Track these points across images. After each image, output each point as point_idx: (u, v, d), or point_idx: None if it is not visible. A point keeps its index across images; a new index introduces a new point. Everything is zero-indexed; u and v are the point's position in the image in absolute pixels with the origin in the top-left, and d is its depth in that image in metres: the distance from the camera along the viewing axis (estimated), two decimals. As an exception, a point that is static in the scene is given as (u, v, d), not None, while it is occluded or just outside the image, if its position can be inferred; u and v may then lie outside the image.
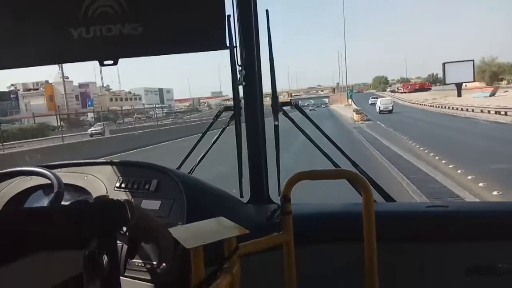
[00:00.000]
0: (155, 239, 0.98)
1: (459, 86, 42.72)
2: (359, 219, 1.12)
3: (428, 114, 31.22)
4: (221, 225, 1.05)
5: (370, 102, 52.05)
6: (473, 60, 43.72)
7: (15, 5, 1.48)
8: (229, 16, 1.45)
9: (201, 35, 1.42)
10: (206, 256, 0.92)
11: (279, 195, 1.60)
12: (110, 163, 1.59)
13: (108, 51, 1.45)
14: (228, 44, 1.46)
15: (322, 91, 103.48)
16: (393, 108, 41.82)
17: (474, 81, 45.08)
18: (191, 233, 1.00)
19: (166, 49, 1.49)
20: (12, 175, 1.56)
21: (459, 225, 1.34)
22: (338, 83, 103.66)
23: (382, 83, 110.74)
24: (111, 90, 73.01)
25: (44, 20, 1.47)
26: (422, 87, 76.60)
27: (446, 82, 46.59)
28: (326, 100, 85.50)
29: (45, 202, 1.53)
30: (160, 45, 1.46)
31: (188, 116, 52.97)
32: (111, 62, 1.46)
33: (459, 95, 41.06)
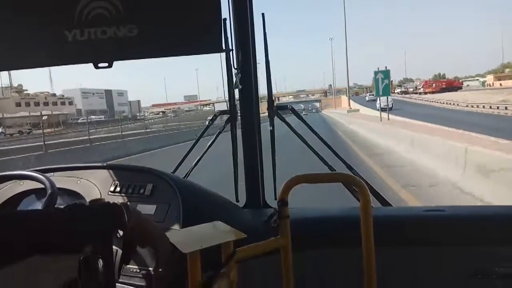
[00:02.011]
0: (152, 244, 0.97)
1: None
2: (356, 223, 1.12)
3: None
4: (218, 230, 1.04)
5: (367, 99, 52.29)
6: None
7: (9, 7, 1.46)
8: (225, 19, 1.44)
9: (197, 38, 1.42)
10: (203, 261, 0.91)
11: (275, 199, 1.60)
12: (104, 167, 1.57)
13: (102, 54, 1.43)
14: (224, 47, 1.46)
15: (312, 95, 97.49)
16: (392, 105, 42.59)
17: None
18: (188, 238, 0.99)
19: (161, 51, 1.48)
20: (3, 179, 1.53)
21: (457, 229, 1.35)
22: (330, 85, 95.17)
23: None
24: (25, 92, 60.35)
25: (38, 22, 1.45)
26: (451, 85, 64.52)
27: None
28: (317, 104, 79.84)
29: (38, 206, 1.51)
30: (156, 47, 1.45)
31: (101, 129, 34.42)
32: (106, 64, 1.44)
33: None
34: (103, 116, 57.41)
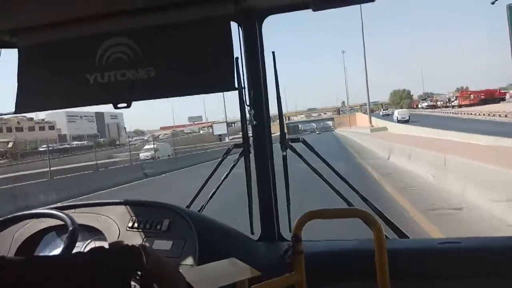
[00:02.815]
0: (169, 284, 0.98)
1: None
2: (371, 256, 1.12)
3: None
4: (233, 267, 1.05)
5: (381, 113, 50.28)
6: None
7: (37, 53, 1.56)
8: (237, 58, 1.50)
9: (212, 77, 1.47)
10: None
11: (289, 232, 1.62)
12: (122, 203, 1.61)
13: (122, 94, 1.50)
14: (236, 85, 1.51)
15: (324, 113, 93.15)
16: (409, 118, 40.67)
17: None
18: (204, 276, 1.01)
19: (177, 91, 1.53)
20: (24, 218, 1.59)
21: (473, 261, 1.34)
22: (343, 102, 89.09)
23: (404, 98, 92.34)
24: (-1, 116, 57.09)
25: (63, 67, 1.55)
26: (492, 96, 55.18)
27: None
28: (330, 123, 74.29)
29: (59, 243, 1.56)
30: (172, 87, 1.51)
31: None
32: (125, 104, 1.51)
33: None
34: (85, 142, 52.74)
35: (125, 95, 1.50)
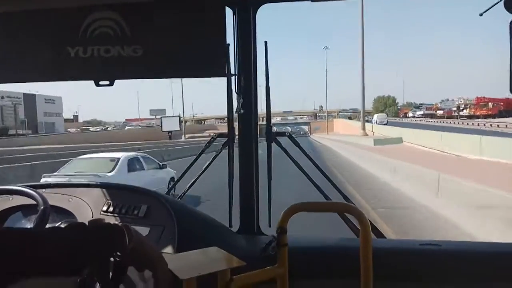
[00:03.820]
0: (150, 268, 0.94)
1: None
2: (354, 254, 1.11)
3: None
4: (216, 256, 1.03)
5: (376, 120, 46.37)
6: None
7: (15, 21, 1.46)
8: (228, 44, 1.46)
9: (202, 62, 1.44)
10: (198, 287, 0.90)
11: (269, 226, 1.59)
12: (98, 185, 1.54)
13: (104, 72, 1.44)
14: (226, 72, 1.47)
15: (301, 117, 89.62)
16: (387, 122, 37.42)
17: None
18: (185, 263, 0.98)
19: (164, 73, 1.49)
20: None
21: (451, 264, 1.35)
22: (321, 106, 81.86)
23: (389, 105, 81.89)
24: None
25: (41, 36, 1.46)
26: None
27: None
28: (306, 127, 69.13)
29: (25, 223, 1.47)
30: (159, 68, 1.46)
31: None
32: (107, 82, 1.44)
33: None
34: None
35: (108, 72, 1.44)
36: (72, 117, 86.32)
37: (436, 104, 67.72)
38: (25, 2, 1.45)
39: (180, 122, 48.53)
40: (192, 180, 1.71)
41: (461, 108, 54.11)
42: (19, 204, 1.47)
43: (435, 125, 39.32)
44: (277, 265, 1.13)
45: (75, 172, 8.45)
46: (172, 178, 9.94)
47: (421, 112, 66.45)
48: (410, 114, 69.56)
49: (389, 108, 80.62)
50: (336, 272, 1.35)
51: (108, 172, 8.46)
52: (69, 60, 1.42)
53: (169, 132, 44.54)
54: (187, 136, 46.23)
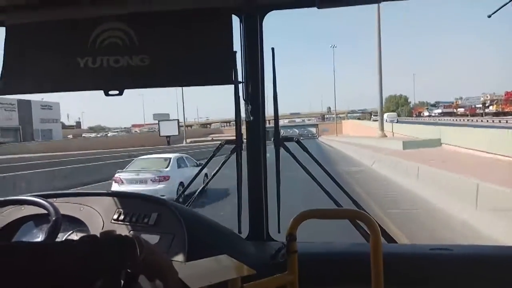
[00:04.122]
0: (161, 277, 0.95)
1: None
2: (365, 260, 1.10)
3: None
4: (227, 264, 1.03)
5: (372, 120, 47.46)
6: None
7: (26, 32, 1.49)
8: (235, 52, 1.47)
9: (209, 70, 1.44)
10: None
11: (278, 232, 1.59)
12: (108, 194, 1.55)
13: (114, 82, 1.45)
14: (233, 79, 1.48)
15: (309, 119, 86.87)
16: (397, 120, 39.03)
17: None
18: (196, 272, 0.98)
19: (172, 81, 1.49)
20: (5, 204, 1.51)
21: (463, 269, 1.34)
22: (329, 107, 79.96)
23: (402, 104, 77.90)
24: None
25: (53, 48, 1.48)
26: None
27: None
28: (313, 129, 67.48)
29: (37, 233, 1.48)
30: (167, 77, 1.47)
31: None
32: (116, 92, 1.46)
33: None
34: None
35: (117, 82, 1.45)
36: (75, 124, 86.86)
37: (456, 101, 61.20)
38: (35, 14, 1.47)
39: (180, 126, 46.32)
40: (201, 187, 1.72)
41: (487, 105, 48.04)
42: (31, 214, 1.48)
43: (465, 123, 34.32)
44: (287, 272, 1.12)
45: (141, 168, 11.05)
46: (206, 174, 10.73)
47: (439, 111, 61.46)
48: (426, 113, 64.35)
49: (401, 107, 76.67)
50: (347, 278, 1.34)
51: (166, 168, 10.92)
52: (79, 70, 1.43)
53: (167, 137, 42.84)
54: (188, 140, 44.66)
